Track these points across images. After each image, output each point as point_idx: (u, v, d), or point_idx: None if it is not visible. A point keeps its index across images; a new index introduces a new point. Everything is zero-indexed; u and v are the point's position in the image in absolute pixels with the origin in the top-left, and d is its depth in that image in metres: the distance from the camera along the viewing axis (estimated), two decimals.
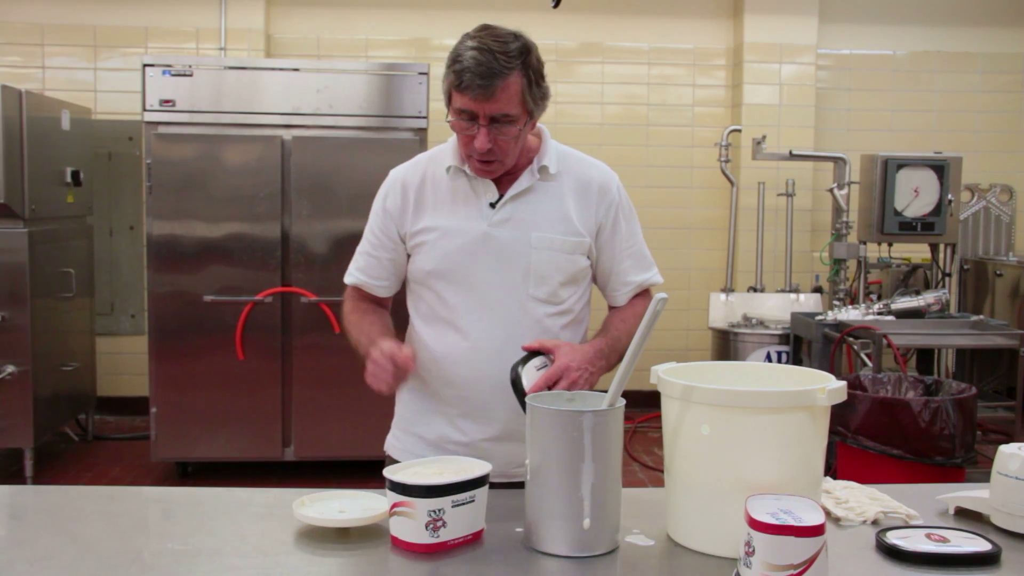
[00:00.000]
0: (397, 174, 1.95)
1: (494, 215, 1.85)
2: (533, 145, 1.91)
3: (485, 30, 1.75)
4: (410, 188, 1.90)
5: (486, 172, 1.83)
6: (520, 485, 1.49)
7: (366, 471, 3.49)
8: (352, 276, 2.00)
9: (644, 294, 2.01)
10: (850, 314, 4.70)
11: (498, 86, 1.70)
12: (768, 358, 5.14)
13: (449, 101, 1.78)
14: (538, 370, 1.73)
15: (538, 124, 1.92)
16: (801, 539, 1.19)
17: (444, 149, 1.92)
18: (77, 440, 5.31)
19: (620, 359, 1.87)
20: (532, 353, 1.76)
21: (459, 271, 1.85)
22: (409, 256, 1.93)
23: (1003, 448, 1.51)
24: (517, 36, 1.75)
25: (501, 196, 1.86)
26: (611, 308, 2.02)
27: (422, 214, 1.89)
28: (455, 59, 1.72)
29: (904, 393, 3.82)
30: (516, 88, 1.73)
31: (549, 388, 1.69)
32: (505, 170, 1.84)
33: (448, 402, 1.89)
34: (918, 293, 4.91)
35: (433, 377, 1.90)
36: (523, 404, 1.66)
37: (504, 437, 1.85)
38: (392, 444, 2.03)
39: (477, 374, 1.85)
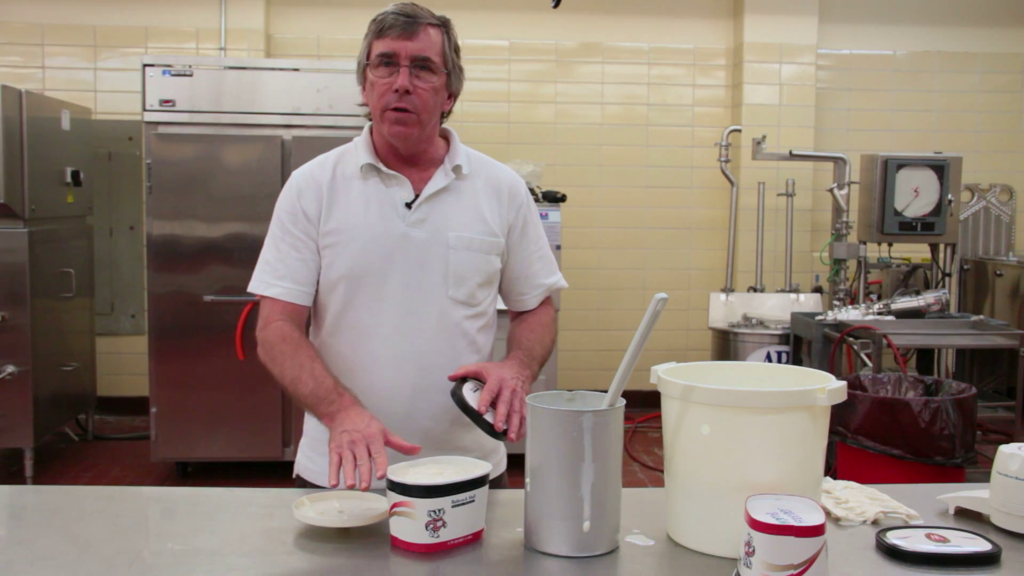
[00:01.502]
0: (307, 172, 1.86)
1: (411, 215, 1.79)
2: (442, 147, 1.87)
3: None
4: (323, 186, 1.82)
5: (401, 127, 1.75)
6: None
7: None
8: (274, 287, 1.80)
9: (547, 301, 1.98)
10: (850, 314, 4.70)
11: (421, 27, 1.74)
12: (768, 358, 5.14)
13: (367, 62, 1.76)
14: (475, 391, 1.69)
15: (447, 127, 1.90)
16: (801, 539, 1.19)
17: (352, 148, 1.86)
18: (77, 440, 5.31)
19: (540, 366, 1.85)
20: (461, 379, 1.71)
21: (374, 273, 1.78)
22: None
23: (1003, 448, 1.51)
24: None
25: (416, 196, 1.81)
26: (514, 318, 1.98)
27: (333, 214, 1.80)
28: (375, 19, 1.77)
29: (904, 393, 3.82)
30: (437, 38, 1.76)
31: (493, 403, 1.65)
32: (421, 131, 1.78)
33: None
34: (918, 293, 4.91)
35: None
36: (480, 424, 1.65)
37: (426, 445, 1.70)
38: (305, 466, 1.89)
39: (399, 381, 1.78)
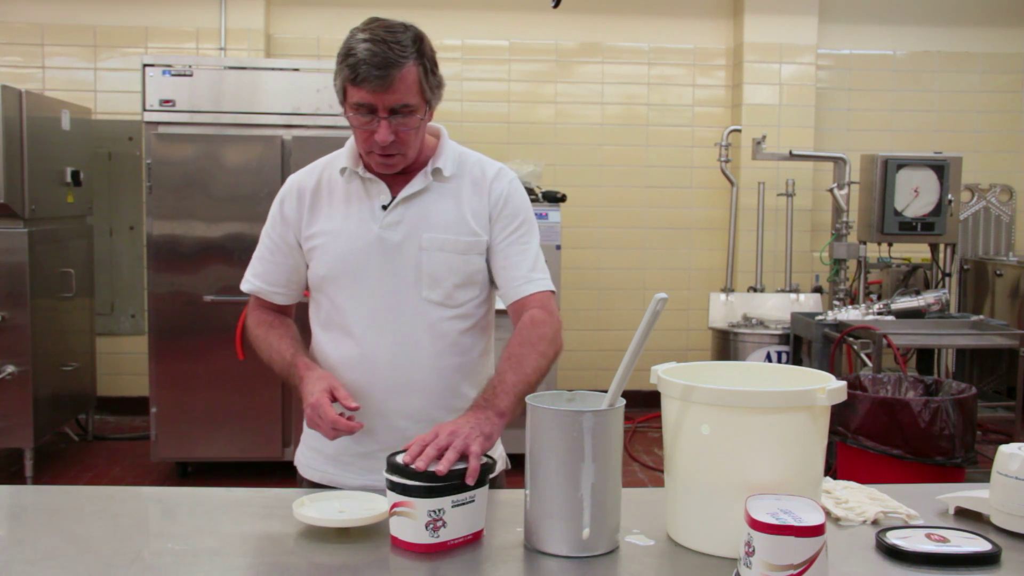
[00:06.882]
0: (294, 179, 1.93)
1: (385, 217, 1.81)
2: (430, 145, 1.87)
3: (375, 22, 1.73)
4: (306, 192, 1.88)
5: (388, 166, 1.78)
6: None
7: None
8: (248, 283, 1.95)
9: (545, 306, 1.83)
10: (850, 314, 4.69)
11: (395, 76, 1.67)
12: (768, 358, 5.14)
13: (344, 98, 1.75)
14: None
15: (437, 124, 1.89)
16: (801, 539, 1.19)
17: (341, 153, 1.88)
18: (77, 440, 5.31)
19: (526, 386, 1.67)
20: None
21: (351, 275, 1.82)
22: (307, 264, 1.90)
23: (1003, 448, 1.51)
24: (407, 27, 1.73)
25: (394, 198, 1.82)
26: (515, 321, 1.85)
27: (316, 218, 1.86)
28: (347, 53, 1.70)
29: (904, 393, 3.82)
30: (413, 77, 1.69)
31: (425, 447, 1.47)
32: (407, 163, 1.80)
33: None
34: (918, 293, 4.91)
35: None
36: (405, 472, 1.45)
37: (402, 445, 1.60)
38: (299, 460, 1.97)
39: (370, 380, 1.81)
